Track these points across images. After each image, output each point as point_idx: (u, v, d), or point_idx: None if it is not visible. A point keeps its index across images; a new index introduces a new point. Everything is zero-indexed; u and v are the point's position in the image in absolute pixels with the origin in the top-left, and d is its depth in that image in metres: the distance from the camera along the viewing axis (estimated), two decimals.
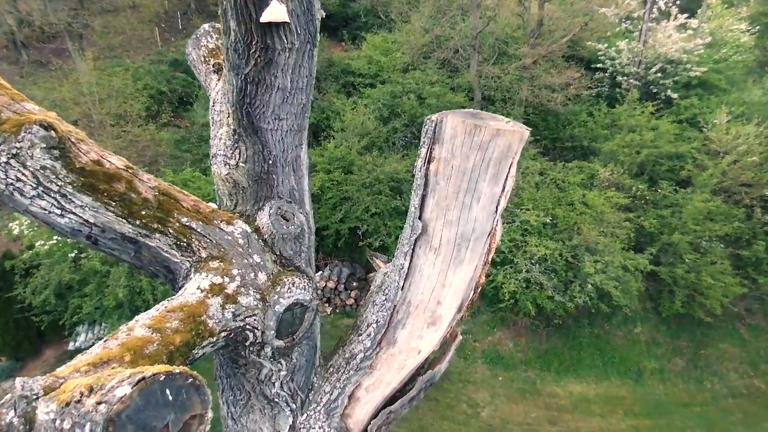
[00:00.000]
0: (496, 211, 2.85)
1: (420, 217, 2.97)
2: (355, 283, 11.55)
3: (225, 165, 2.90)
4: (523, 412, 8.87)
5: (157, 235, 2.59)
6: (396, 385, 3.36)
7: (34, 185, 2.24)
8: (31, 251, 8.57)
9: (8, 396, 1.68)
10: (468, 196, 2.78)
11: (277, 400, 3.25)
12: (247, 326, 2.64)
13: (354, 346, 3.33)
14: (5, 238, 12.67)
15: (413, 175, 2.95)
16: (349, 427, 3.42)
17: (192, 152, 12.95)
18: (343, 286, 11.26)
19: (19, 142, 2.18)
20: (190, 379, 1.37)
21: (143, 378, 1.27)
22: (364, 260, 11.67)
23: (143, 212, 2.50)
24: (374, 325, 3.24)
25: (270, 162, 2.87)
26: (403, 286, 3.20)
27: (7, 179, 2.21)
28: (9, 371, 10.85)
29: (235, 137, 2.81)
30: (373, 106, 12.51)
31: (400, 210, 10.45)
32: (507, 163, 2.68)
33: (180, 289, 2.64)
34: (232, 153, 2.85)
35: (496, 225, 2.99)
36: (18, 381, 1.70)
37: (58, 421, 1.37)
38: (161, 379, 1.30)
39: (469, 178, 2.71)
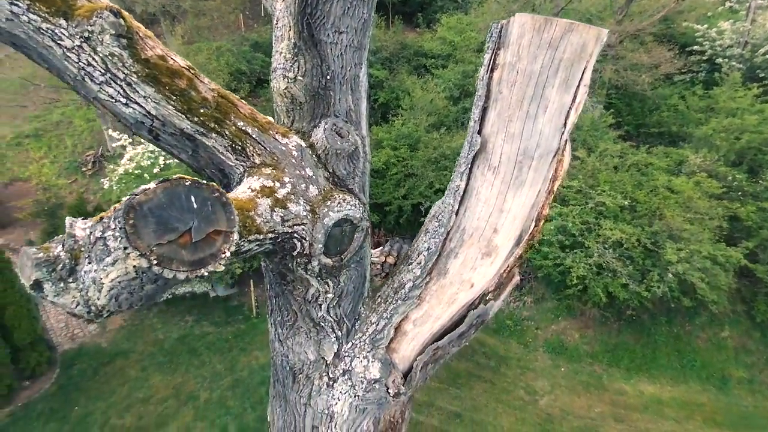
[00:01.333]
0: (565, 125, 2.60)
1: (479, 132, 2.78)
2: None
3: (284, 78, 2.88)
4: (585, 405, 8.30)
5: (214, 135, 2.62)
6: (445, 321, 3.20)
7: (103, 71, 2.32)
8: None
9: (58, 237, 1.73)
10: (533, 104, 2.55)
11: (323, 324, 3.21)
12: (295, 234, 2.60)
13: (403, 276, 3.21)
14: (100, 199, 13.96)
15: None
16: (394, 362, 3.31)
17: None
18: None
19: (90, 26, 2.26)
20: (217, 194, 1.31)
21: (168, 179, 1.22)
22: None
23: (201, 110, 2.54)
24: (425, 253, 3.10)
25: (328, 77, 2.83)
26: (457, 211, 3.02)
27: (80, 62, 2.31)
28: None
29: (295, 50, 2.78)
30: (443, 85, 12.27)
31: None
32: (580, 67, 2.42)
33: None
34: (291, 66, 2.82)
35: (564, 146, 2.73)
36: (68, 220, 1.74)
37: (90, 230, 1.37)
38: (186, 184, 1.26)
39: (536, 83, 2.48)
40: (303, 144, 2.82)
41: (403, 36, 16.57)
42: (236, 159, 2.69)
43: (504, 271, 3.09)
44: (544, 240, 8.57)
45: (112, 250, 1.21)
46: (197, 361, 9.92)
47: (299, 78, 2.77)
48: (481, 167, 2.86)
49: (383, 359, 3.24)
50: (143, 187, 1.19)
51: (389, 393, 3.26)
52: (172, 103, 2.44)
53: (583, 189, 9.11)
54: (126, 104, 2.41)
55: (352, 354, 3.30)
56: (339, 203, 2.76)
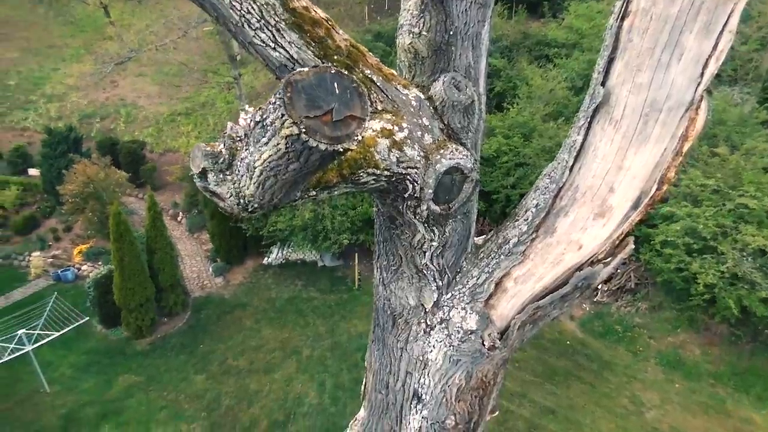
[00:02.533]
0: (702, 76, 2.43)
1: (603, 84, 2.70)
2: None
3: (409, 34, 3.05)
4: (702, 428, 7.44)
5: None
6: (548, 282, 3.15)
7: (258, 17, 2.68)
8: None
9: (220, 137, 2.09)
10: (666, 52, 2.42)
11: (425, 272, 3.34)
12: (408, 176, 2.76)
13: (508, 231, 3.21)
14: None
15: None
16: (492, 318, 3.34)
17: None
18: None
19: None
20: (355, 84, 1.51)
21: (318, 66, 1.46)
22: None
23: (335, 57, 2.81)
24: (533, 209, 3.08)
25: (451, 33, 2.94)
26: (572, 167, 2.96)
27: (241, 10, 2.70)
28: (221, 270, 13.45)
29: (422, 6, 2.93)
30: (565, 75, 11.67)
31: None
32: (726, 9, 2.25)
33: None
34: (417, 21, 2.98)
35: (700, 100, 2.55)
36: (228, 124, 2.09)
37: (251, 117, 1.65)
38: (332, 72, 1.48)
39: (671, 28, 2.35)
40: (422, 96, 2.97)
41: (525, 26, 16.04)
42: None
43: (617, 235, 2.97)
44: (667, 241, 7.80)
45: (269, 125, 1.47)
46: (302, 321, 10.73)
47: (423, 33, 2.93)
48: (601, 121, 2.78)
49: (481, 312, 3.28)
50: (299, 69, 1.43)
51: (484, 346, 3.30)
52: (312, 48, 2.74)
53: (722, 189, 8.09)
54: (274, 48, 2.76)
55: (451, 304, 3.38)
56: (451, 152, 2.86)
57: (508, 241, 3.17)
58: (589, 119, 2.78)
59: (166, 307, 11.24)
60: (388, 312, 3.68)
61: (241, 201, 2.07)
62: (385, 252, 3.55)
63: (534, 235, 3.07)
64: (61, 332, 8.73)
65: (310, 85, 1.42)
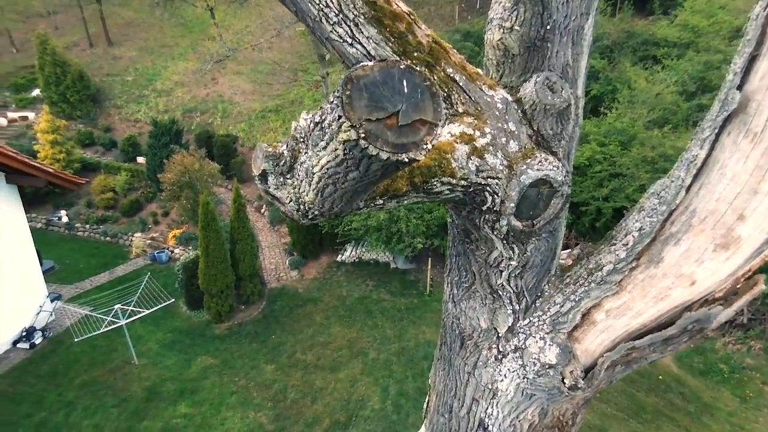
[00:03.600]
0: None
1: (740, 88, 2.22)
2: None
3: (499, 29, 2.77)
4: None
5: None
6: (648, 319, 2.71)
7: (337, 12, 2.54)
8: None
9: (284, 139, 1.94)
10: None
11: (501, 293, 3.04)
12: (488, 187, 2.50)
13: (602, 257, 2.81)
14: None
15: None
16: (576, 353, 2.94)
17: None
18: None
19: None
20: (428, 83, 1.27)
21: (386, 60, 1.23)
22: None
23: (415, 54, 2.60)
24: (635, 233, 2.65)
25: (548, 27, 2.63)
26: (689, 187, 2.49)
27: (320, 4, 2.57)
28: (297, 264, 13.83)
29: None
30: (676, 78, 10.47)
31: None
32: None
33: None
34: (509, 15, 2.70)
35: None
36: (293, 123, 1.94)
37: (311, 118, 1.46)
38: (401, 67, 1.24)
39: None
40: (509, 98, 2.69)
41: (630, 23, 14.69)
42: None
43: (744, 272, 2.45)
44: None
45: (327, 126, 1.27)
46: (371, 322, 10.67)
47: (516, 28, 2.64)
48: (733, 133, 2.30)
49: (563, 345, 2.91)
50: (363, 63, 1.20)
51: (564, 384, 2.92)
52: (390, 44, 2.55)
53: None
54: (351, 44, 2.60)
55: (528, 332, 3.04)
56: (540, 162, 2.56)
57: (602, 268, 2.78)
58: (717, 130, 2.31)
59: (244, 295, 11.76)
60: (457, 331, 3.41)
61: (301, 207, 1.90)
62: (457, 267, 3.30)
63: (634, 264, 2.66)
64: (150, 311, 9.43)
65: (374, 82, 1.19)
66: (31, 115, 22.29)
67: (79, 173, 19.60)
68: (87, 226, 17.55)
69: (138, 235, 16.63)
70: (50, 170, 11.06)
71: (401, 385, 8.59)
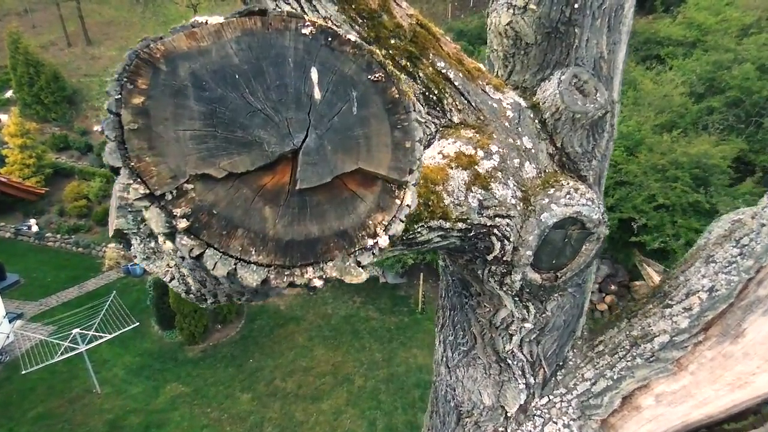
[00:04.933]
0: None
1: None
2: (613, 287, 9.48)
3: (508, 9, 2.04)
4: None
5: (404, 76, 1.90)
6: (717, 410, 2.03)
7: None
8: None
9: None
10: None
11: (510, 362, 2.33)
12: (495, 229, 1.80)
13: (653, 321, 2.10)
14: None
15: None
16: None
17: None
18: (597, 286, 9.37)
19: None
20: (379, 74, 0.65)
21: (264, 12, 0.41)
22: (630, 263, 9.44)
23: (392, 41, 1.87)
24: (703, 295, 1.95)
25: (575, 5, 1.95)
26: None
27: None
28: None
29: None
30: (683, 78, 9.82)
31: (701, 208, 7.83)
32: None
33: None
34: None
35: None
36: None
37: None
38: (305, 30, 0.53)
39: None
40: (523, 103, 2.00)
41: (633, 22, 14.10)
42: (428, 113, 2.01)
43: None
44: None
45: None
46: (358, 344, 9.89)
47: (531, 7, 1.95)
48: None
49: None
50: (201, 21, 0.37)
51: None
52: (357, 27, 1.82)
53: None
54: None
55: (547, 415, 2.35)
56: (568, 194, 1.86)
57: (652, 338, 2.06)
58: None
59: (220, 313, 10.92)
60: (452, 404, 2.68)
61: (192, 290, 1.07)
62: (452, 323, 2.57)
63: (701, 337, 1.93)
64: (112, 335, 8.59)
65: (223, 70, 0.35)
66: (4, 117, 21.30)
67: (52, 179, 18.57)
68: (58, 235, 16.55)
69: (111, 246, 15.73)
70: (3, 180, 10.16)
71: (390, 417, 7.77)
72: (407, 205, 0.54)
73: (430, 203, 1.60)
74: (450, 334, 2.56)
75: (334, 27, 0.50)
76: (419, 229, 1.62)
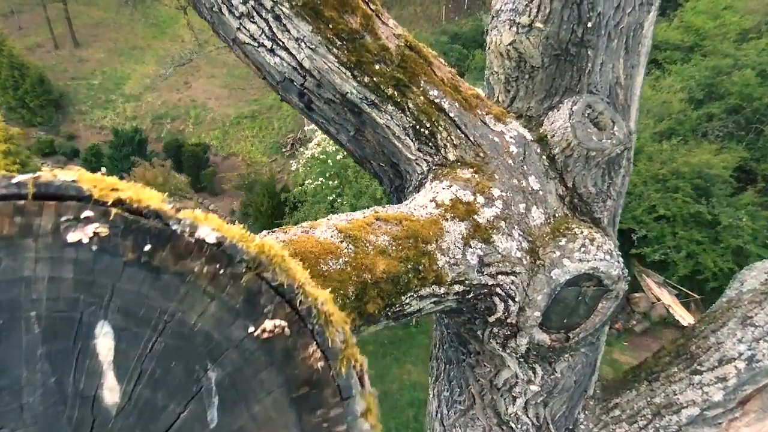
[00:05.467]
0: None
1: None
2: None
3: (511, 27, 1.80)
4: None
5: (390, 108, 1.68)
6: None
7: None
8: (301, 188, 9.52)
9: None
10: None
11: (513, 425, 2.11)
12: (498, 289, 1.57)
13: (678, 389, 1.87)
14: (289, 180, 14.98)
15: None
16: None
17: None
18: None
19: None
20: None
21: None
22: (630, 275, 9.18)
23: (377, 66, 1.63)
24: (740, 364, 1.71)
25: (589, 24, 1.74)
26: None
27: None
28: None
29: None
30: (682, 84, 9.64)
31: (702, 219, 7.63)
32: None
33: None
34: (527, 5, 1.74)
35: None
36: None
37: None
38: None
39: None
40: (528, 136, 1.78)
41: None
42: (419, 149, 1.77)
43: None
44: None
45: None
46: None
47: (537, 25, 1.75)
48: None
49: None
50: None
51: None
52: (335, 50, 1.57)
53: None
54: (271, 50, 1.63)
55: None
56: (583, 246, 1.64)
57: (678, 409, 1.83)
58: None
59: None
60: None
61: None
62: (448, 379, 2.32)
63: (738, 413, 1.68)
64: None
65: None
66: None
67: None
68: None
69: None
70: None
71: None
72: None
73: (420, 268, 1.35)
74: (445, 389, 2.30)
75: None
76: (408, 301, 1.37)
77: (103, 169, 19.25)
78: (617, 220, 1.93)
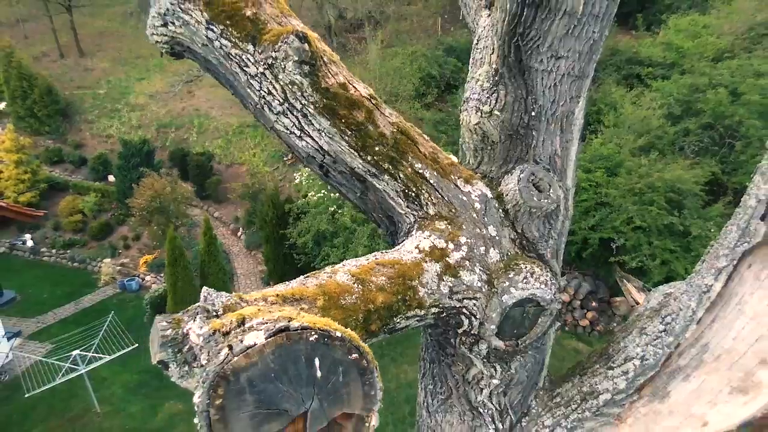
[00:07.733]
0: None
1: (764, 218, 1.86)
2: (594, 303, 9.89)
3: (476, 112, 2.38)
4: None
5: (386, 177, 2.28)
6: None
7: (281, 100, 2.15)
8: (304, 199, 10.10)
9: (193, 306, 1.48)
10: None
11: (481, 410, 2.67)
12: (464, 309, 2.13)
13: (598, 380, 2.43)
14: (292, 190, 15.54)
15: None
16: None
17: (447, 134, 13.17)
18: (579, 302, 9.76)
19: (275, 51, 2.10)
20: (355, 355, 0.80)
21: (287, 328, 0.75)
22: (612, 280, 9.85)
23: (377, 148, 2.21)
24: (636, 362, 2.29)
25: (533, 114, 2.27)
26: (700, 319, 2.13)
27: (261, 90, 2.18)
28: None
29: (496, 78, 2.29)
30: (661, 101, 10.26)
31: (675, 229, 8.25)
32: None
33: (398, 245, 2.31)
34: (488, 98, 2.33)
35: None
36: (203, 290, 1.49)
37: (201, 350, 0.99)
38: (312, 338, 0.77)
39: None
40: (489, 194, 2.32)
41: (614, 39, 14.50)
42: (407, 206, 2.33)
43: (764, 419, 2.09)
44: None
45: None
46: None
47: (495, 113, 2.28)
48: (755, 267, 1.95)
49: None
50: (248, 341, 0.74)
51: None
52: (347, 138, 2.16)
53: None
54: (300, 137, 2.22)
55: None
56: (525, 278, 2.19)
57: (597, 395, 2.40)
58: (735, 262, 1.93)
59: None
60: None
61: None
62: (432, 375, 2.89)
63: (636, 396, 2.27)
64: (111, 357, 8.80)
65: (266, 374, 0.73)
66: None
67: (46, 194, 18.67)
68: (53, 250, 16.59)
69: (107, 260, 15.77)
70: (2, 204, 10.30)
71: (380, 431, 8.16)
72: (373, 425, 0.87)
73: (407, 298, 1.93)
74: (430, 383, 2.88)
75: (329, 329, 0.80)
76: (398, 320, 1.96)
77: (111, 178, 19.75)
78: (560, 253, 2.52)
